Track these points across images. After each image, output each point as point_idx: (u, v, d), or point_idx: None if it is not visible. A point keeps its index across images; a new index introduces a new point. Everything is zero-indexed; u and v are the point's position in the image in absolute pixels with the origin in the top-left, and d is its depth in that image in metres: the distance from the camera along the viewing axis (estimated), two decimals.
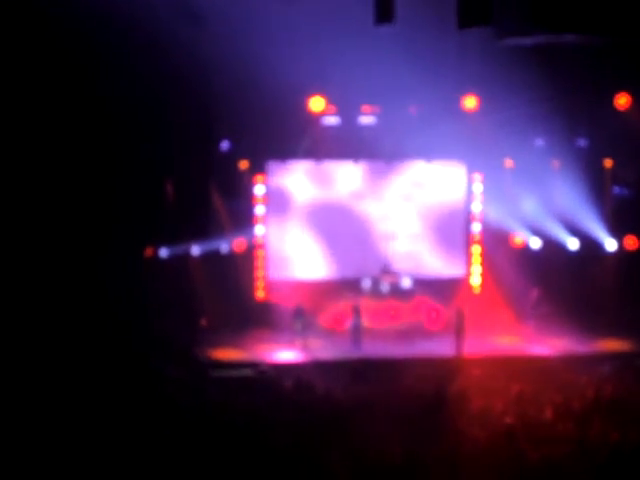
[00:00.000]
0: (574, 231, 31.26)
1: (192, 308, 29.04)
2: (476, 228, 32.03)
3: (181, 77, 27.01)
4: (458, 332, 27.56)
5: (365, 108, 30.25)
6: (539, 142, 30.92)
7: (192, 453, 16.54)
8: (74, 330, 25.72)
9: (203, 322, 29.27)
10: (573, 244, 31.39)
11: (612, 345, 28.36)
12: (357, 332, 28.51)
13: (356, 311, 28.76)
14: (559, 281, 31.00)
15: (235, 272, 30.27)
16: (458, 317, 27.83)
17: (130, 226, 28.20)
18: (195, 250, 29.90)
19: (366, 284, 30.58)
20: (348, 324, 29.75)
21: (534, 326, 28.99)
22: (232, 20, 26.21)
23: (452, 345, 27.54)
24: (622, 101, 30.30)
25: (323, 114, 29.93)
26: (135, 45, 25.83)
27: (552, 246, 31.39)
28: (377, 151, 30.79)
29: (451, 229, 32.04)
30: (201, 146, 28.91)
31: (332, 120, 30.23)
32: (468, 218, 32.07)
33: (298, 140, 30.31)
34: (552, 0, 23.69)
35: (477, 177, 31.93)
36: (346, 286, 30.86)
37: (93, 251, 27.75)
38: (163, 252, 29.55)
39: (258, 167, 30.72)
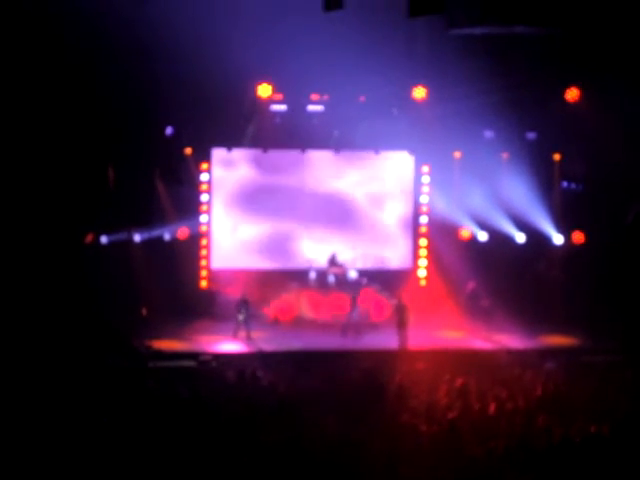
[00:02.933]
0: (522, 224, 31.21)
1: (133, 296, 28.44)
2: (423, 220, 31.81)
3: (123, 60, 26.49)
4: (400, 325, 27.21)
5: (313, 96, 29.84)
6: (488, 134, 30.77)
7: (131, 444, 16.17)
8: (11, 318, 25.33)
9: (144, 311, 28.71)
10: (520, 238, 31.28)
11: (558, 340, 28.32)
12: (355, 323, 27.88)
13: (354, 302, 28.18)
14: (506, 274, 30.87)
15: (178, 260, 29.81)
16: (399, 310, 27.48)
17: (70, 212, 27.74)
18: (137, 237, 29.33)
19: (312, 275, 30.21)
20: (294, 315, 29.57)
21: (473, 320, 28.65)
22: (177, 2, 25.77)
23: (396, 337, 27.20)
24: (572, 95, 30.17)
25: (270, 101, 29.48)
26: (74, 26, 25.34)
27: (499, 239, 31.32)
28: (325, 140, 30.51)
29: (398, 221, 31.80)
30: (144, 131, 28.31)
31: (279, 108, 29.77)
32: (416, 210, 31.84)
33: (244, 127, 29.90)
34: None
35: (425, 168, 31.73)
36: (292, 277, 30.50)
37: (32, 237, 27.28)
38: (104, 238, 28.93)
39: (203, 154, 30.29)
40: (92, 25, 25.64)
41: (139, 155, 28.83)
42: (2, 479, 15.11)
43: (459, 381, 19.99)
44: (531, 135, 31.03)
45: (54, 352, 23.30)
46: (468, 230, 31.54)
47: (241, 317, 27.54)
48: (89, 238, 28.79)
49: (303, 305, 29.95)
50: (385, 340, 27.32)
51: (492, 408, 18.34)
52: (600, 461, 15.80)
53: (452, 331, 28.55)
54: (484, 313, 28.88)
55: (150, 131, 28.68)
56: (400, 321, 27.25)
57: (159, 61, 26.79)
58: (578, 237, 31.56)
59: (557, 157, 31.67)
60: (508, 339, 27.89)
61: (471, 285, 28.89)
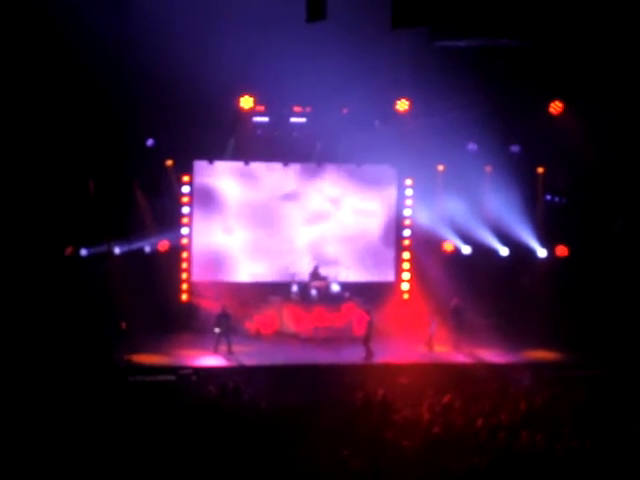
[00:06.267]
0: (505, 238, 31.10)
1: (112, 310, 28.15)
2: (406, 233, 31.67)
3: (103, 71, 26.32)
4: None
5: (296, 108, 29.69)
6: (472, 147, 30.70)
7: (109, 458, 16.09)
8: None
9: (123, 325, 28.36)
10: (504, 251, 31.16)
11: (541, 355, 28.16)
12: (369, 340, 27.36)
13: (370, 320, 27.70)
14: (489, 288, 30.72)
15: (158, 273, 29.52)
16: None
17: (50, 224, 27.55)
18: (117, 250, 29.05)
19: (294, 289, 29.98)
20: (275, 328, 29.40)
21: (456, 334, 28.44)
22: (159, 13, 25.63)
23: (378, 351, 27.06)
24: (556, 108, 30.13)
25: (252, 113, 29.30)
26: (54, 39, 25.21)
27: (483, 252, 31.23)
28: (307, 152, 30.40)
29: (381, 234, 31.64)
30: (125, 143, 28.09)
31: (262, 119, 29.59)
32: (398, 223, 31.69)
33: (226, 139, 29.71)
34: (487, 4, 23.45)
35: (408, 181, 31.61)
36: (274, 290, 30.29)
37: (11, 249, 27.16)
38: (83, 251, 28.64)
39: (184, 166, 30.08)
40: (73, 36, 25.46)
41: (120, 167, 28.63)
42: None
43: (445, 398, 19.83)
44: (515, 148, 31.02)
45: (32, 365, 23.12)
46: (451, 243, 31.41)
47: (219, 330, 27.21)
48: (69, 250, 28.51)
49: (285, 319, 29.72)
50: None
51: (476, 423, 18.20)
52: (582, 476, 15.73)
53: (435, 345, 28.32)
54: (467, 328, 28.66)
55: (131, 143, 28.46)
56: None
57: (140, 72, 26.59)
58: (562, 250, 31.47)
59: (541, 170, 31.65)
60: (491, 354, 27.76)
61: (455, 301, 28.70)
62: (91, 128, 27.37)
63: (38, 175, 27.26)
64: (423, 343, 28.25)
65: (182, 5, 26.33)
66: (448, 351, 28.09)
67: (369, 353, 26.95)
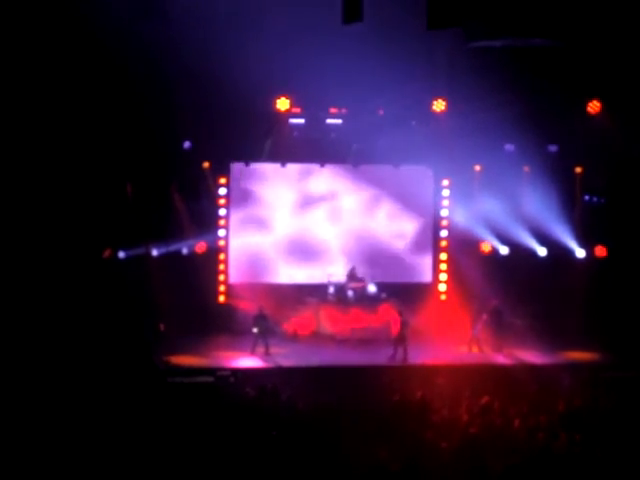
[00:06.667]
0: (543, 238, 30.92)
1: (150, 312, 28.26)
2: (443, 234, 31.58)
3: (142, 75, 26.41)
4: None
5: (332, 109, 29.68)
6: (509, 147, 30.51)
7: (147, 458, 16.14)
8: (29, 333, 25.34)
9: (162, 327, 28.52)
10: (542, 252, 30.99)
11: (580, 356, 28.00)
12: (403, 341, 27.17)
13: (404, 320, 27.53)
14: (527, 289, 30.53)
15: (196, 275, 29.49)
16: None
17: (88, 227, 27.69)
18: (155, 252, 29.16)
19: (331, 290, 29.97)
20: (312, 330, 29.42)
21: (494, 337, 28.29)
22: (196, 17, 25.73)
23: (416, 352, 27.01)
24: (594, 107, 29.94)
25: (289, 115, 29.31)
26: (92, 42, 25.31)
27: (521, 253, 31.04)
28: (344, 154, 30.30)
29: (418, 235, 31.56)
30: (162, 145, 28.21)
31: (298, 121, 29.61)
32: (436, 224, 31.61)
33: (263, 141, 29.74)
34: (522, 4, 23.36)
35: (445, 182, 31.52)
36: (310, 292, 30.28)
37: (51, 252, 27.27)
38: (121, 253, 28.75)
39: (221, 168, 30.13)
40: (110, 41, 25.57)
41: (157, 170, 28.75)
42: None
43: (484, 399, 19.75)
44: (552, 148, 30.79)
45: (72, 367, 23.22)
46: (489, 244, 31.27)
47: (256, 331, 27.28)
48: (107, 253, 28.63)
49: (322, 320, 29.71)
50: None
51: (514, 424, 18.12)
52: (621, 477, 15.62)
53: (477, 346, 28.21)
54: (507, 329, 28.50)
55: (168, 145, 28.58)
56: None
57: (177, 75, 26.70)
58: (600, 251, 31.25)
59: (579, 170, 31.44)
60: (529, 355, 27.62)
61: (494, 302, 28.55)
62: (129, 131, 27.49)
63: (77, 178, 27.38)
64: (466, 343, 28.14)
65: (219, 8, 26.42)
66: (487, 352, 27.99)
67: (396, 354, 26.81)
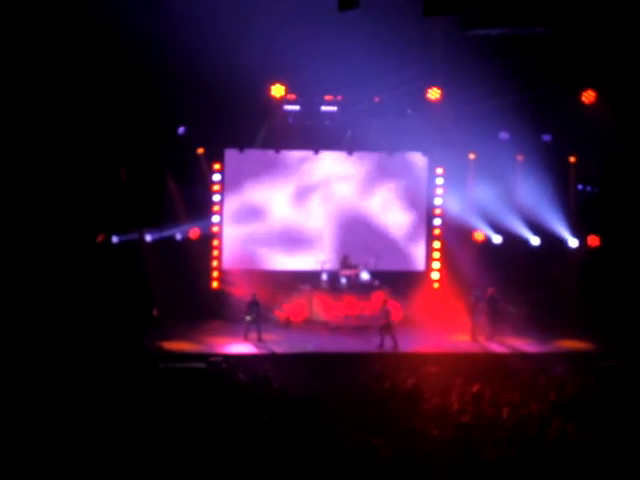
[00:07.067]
0: (536, 227, 30.94)
1: (143, 297, 28.26)
2: (437, 222, 31.59)
3: (135, 60, 26.37)
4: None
5: (327, 97, 29.65)
6: (504, 135, 30.50)
7: (140, 444, 16.22)
8: (20, 318, 25.35)
9: (155, 312, 28.54)
10: (535, 241, 31.03)
11: (572, 344, 28.02)
12: (388, 329, 27.16)
13: (385, 308, 27.52)
14: (520, 278, 30.59)
15: (189, 261, 29.54)
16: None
17: (81, 211, 27.67)
18: (148, 237, 29.14)
19: (324, 277, 29.98)
20: (305, 317, 29.48)
21: (490, 325, 28.32)
22: (191, 4, 25.66)
23: (408, 340, 27.03)
24: (588, 96, 29.93)
25: (283, 101, 29.27)
26: (85, 29, 25.28)
27: (514, 242, 31.04)
28: (338, 141, 30.27)
29: (412, 222, 31.57)
30: (156, 131, 28.17)
31: (293, 108, 29.56)
32: (429, 212, 31.62)
33: (257, 128, 29.69)
34: None
35: (439, 170, 31.51)
36: (303, 279, 30.29)
37: (43, 236, 27.28)
38: (115, 238, 28.74)
39: (215, 154, 30.09)
40: (104, 26, 25.52)
41: (151, 155, 28.72)
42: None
43: (475, 387, 19.77)
44: (546, 137, 30.76)
45: (64, 352, 23.28)
46: (482, 233, 31.27)
47: (249, 318, 27.30)
48: (100, 238, 28.62)
49: (315, 307, 29.71)
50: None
51: (505, 413, 18.15)
52: (614, 465, 15.66)
53: (464, 335, 28.27)
54: (502, 318, 28.51)
55: (162, 131, 28.54)
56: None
57: (171, 60, 26.67)
58: (593, 240, 31.26)
59: (573, 159, 31.41)
60: (522, 343, 27.68)
61: (490, 290, 28.56)
62: (123, 117, 27.46)
63: (70, 163, 27.37)
64: (467, 332, 28.15)
65: None
66: (481, 340, 28.02)
67: (384, 342, 26.87)
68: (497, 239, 31.22)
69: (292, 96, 29.34)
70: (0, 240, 26.96)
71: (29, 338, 24.28)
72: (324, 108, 29.82)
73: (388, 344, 26.87)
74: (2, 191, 27.10)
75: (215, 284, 30.40)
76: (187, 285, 29.21)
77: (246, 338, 27.15)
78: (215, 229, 30.40)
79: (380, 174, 31.35)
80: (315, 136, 30.18)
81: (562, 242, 31.21)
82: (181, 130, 29.02)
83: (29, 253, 27.13)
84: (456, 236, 31.23)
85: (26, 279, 26.79)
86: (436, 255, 31.73)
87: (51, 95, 26.66)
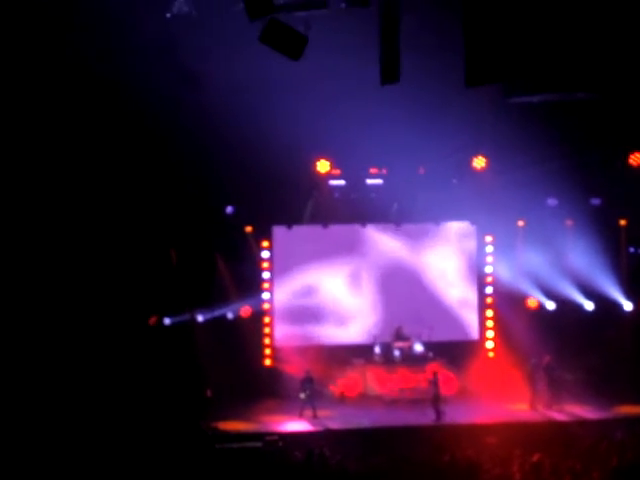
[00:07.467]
0: (590, 292, 30.64)
1: (197, 378, 28.23)
2: (489, 291, 31.39)
3: (182, 141, 26.65)
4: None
5: (372, 170, 29.76)
6: (552, 201, 30.36)
7: None
8: (78, 398, 25.59)
9: (208, 392, 28.42)
10: (589, 305, 30.71)
11: (631, 409, 27.53)
12: (437, 401, 27.06)
13: (434, 379, 27.48)
14: (575, 343, 30.20)
15: (242, 339, 29.57)
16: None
17: (133, 294, 27.81)
18: (200, 317, 29.24)
19: (377, 350, 29.81)
20: (359, 391, 29.24)
21: (548, 394, 27.96)
22: (233, 83, 25.90)
23: (465, 411, 26.76)
24: (636, 159, 29.79)
25: (329, 177, 29.44)
26: (133, 110, 25.56)
27: (567, 308, 30.74)
28: (385, 213, 30.31)
29: (463, 292, 31.39)
30: (205, 212, 28.43)
31: (338, 183, 29.70)
32: (480, 280, 31.43)
33: (303, 204, 29.86)
34: (559, 58, 23.32)
35: (488, 238, 31.38)
36: (356, 352, 30.13)
37: (97, 321, 27.39)
38: (167, 320, 28.88)
39: (263, 231, 30.26)
40: (150, 109, 25.82)
41: (200, 235, 28.91)
42: None
43: (535, 456, 19.44)
44: (595, 201, 30.58)
45: (121, 434, 23.29)
46: (535, 299, 31.03)
47: (303, 395, 27.18)
48: (153, 320, 28.76)
49: (369, 381, 29.52)
50: (454, 415, 26.84)
51: None
52: None
53: (522, 404, 27.91)
54: (559, 385, 28.14)
55: (210, 211, 28.77)
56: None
57: (217, 141, 26.89)
58: None
59: (623, 222, 31.18)
60: (580, 410, 27.31)
61: (547, 358, 28.26)
62: (171, 198, 27.73)
63: (121, 246, 27.64)
64: (525, 401, 27.83)
65: (257, 72, 26.59)
66: (539, 409, 27.66)
67: (440, 414, 26.67)
68: (551, 305, 30.95)
69: (337, 171, 29.51)
70: (58, 323, 27.08)
71: (86, 419, 24.34)
72: (369, 181, 29.95)
73: (440, 416, 26.61)
74: (61, 278, 27.28)
75: (268, 362, 30.34)
76: (240, 364, 29.15)
77: (301, 415, 26.99)
78: (266, 306, 30.43)
79: (429, 245, 31.29)
80: (362, 209, 30.26)
81: (616, 306, 30.85)
82: (229, 209, 29.26)
83: (85, 337, 27.23)
84: (509, 304, 31.00)
85: (83, 363, 26.89)
86: (490, 324, 31.47)
87: (104, 179, 26.93)
